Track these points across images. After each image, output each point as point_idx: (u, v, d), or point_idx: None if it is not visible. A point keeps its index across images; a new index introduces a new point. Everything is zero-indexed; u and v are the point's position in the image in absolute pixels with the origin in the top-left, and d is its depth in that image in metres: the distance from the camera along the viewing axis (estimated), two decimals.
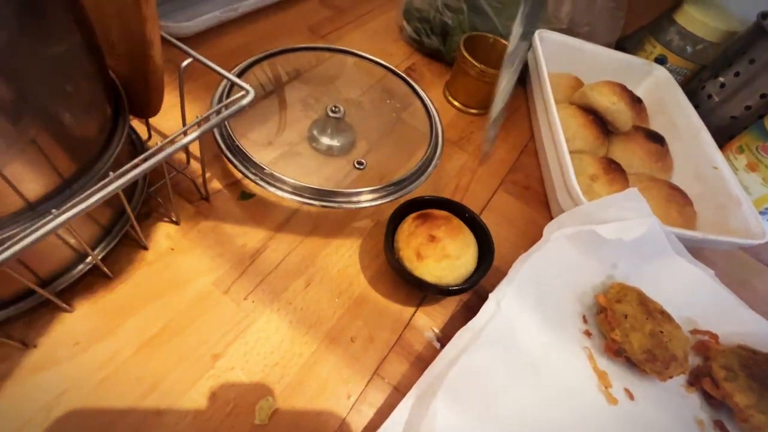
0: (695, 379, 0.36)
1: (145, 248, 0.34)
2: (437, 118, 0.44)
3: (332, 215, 0.40)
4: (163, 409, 0.28)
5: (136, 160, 0.25)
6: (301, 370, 0.31)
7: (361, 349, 0.33)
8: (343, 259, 0.38)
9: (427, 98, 0.46)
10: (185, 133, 0.27)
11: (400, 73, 0.48)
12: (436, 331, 0.36)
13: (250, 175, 0.35)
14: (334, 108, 0.41)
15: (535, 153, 0.54)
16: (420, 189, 0.39)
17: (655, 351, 0.33)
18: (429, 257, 0.33)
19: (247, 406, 0.29)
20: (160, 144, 0.26)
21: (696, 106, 0.54)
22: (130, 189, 0.33)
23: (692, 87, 0.61)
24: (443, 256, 0.34)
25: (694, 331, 0.38)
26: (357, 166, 0.42)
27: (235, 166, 0.35)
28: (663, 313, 0.36)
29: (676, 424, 0.33)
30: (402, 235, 0.36)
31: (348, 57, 0.49)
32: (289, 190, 0.35)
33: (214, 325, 0.32)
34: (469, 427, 0.28)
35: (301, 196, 0.35)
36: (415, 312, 0.36)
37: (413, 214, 0.37)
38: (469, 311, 0.36)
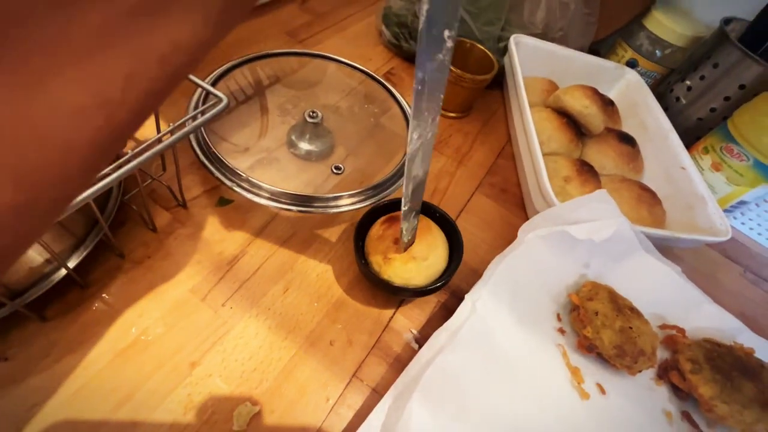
0: (664, 372, 0.37)
1: (121, 256, 0.34)
2: None
3: (310, 220, 0.41)
4: (139, 419, 0.28)
5: (107, 169, 0.25)
6: (280, 375, 0.31)
7: (340, 352, 0.34)
8: (322, 263, 0.38)
9: (405, 103, 0.46)
10: (159, 141, 0.27)
11: (378, 77, 0.48)
12: (415, 332, 0.36)
13: (228, 182, 0.35)
14: (311, 113, 0.41)
15: (512, 156, 0.55)
16: (398, 193, 0.39)
17: (624, 346, 0.34)
18: (395, 260, 0.34)
19: (225, 413, 0.29)
20: (132, 152, 0.26)
21: (665, 109, 0.56)
22: (104, 197, 0.33)
23: (661, 90, 0.63)
24: (409, 258, 0.34)
25: (663, 326, 0.40)
26: (335, 171, 0.42)
27: (212, 173, 0.35)
28: (633, 309, 0.37)
29: (645, 417, 0.35)
30: (371, 239, 0.36)
31: (326, 62, 0.49)
32: (267, 196, 0.35)
33: (192, 333, 0.32)
34: (445, 426, 0.29)
35: (279, 201, 0.35)
36: (393, 314, 0.37)
37: (382, 218, 0.37)
38: (447, 312, 0.37)
